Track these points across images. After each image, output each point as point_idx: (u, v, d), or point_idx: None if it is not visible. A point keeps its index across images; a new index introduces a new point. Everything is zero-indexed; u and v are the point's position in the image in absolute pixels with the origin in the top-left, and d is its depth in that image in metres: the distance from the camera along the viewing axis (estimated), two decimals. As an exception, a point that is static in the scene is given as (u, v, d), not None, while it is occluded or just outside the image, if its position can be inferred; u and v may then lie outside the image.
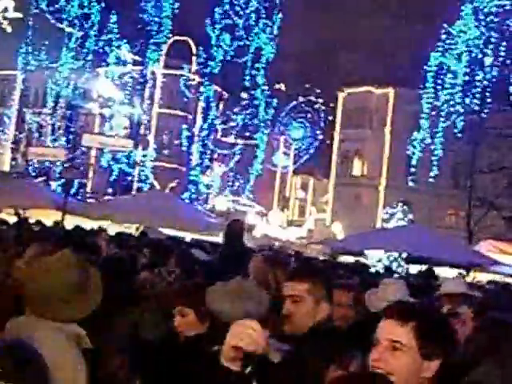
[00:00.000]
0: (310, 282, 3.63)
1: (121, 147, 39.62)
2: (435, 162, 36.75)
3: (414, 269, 18.50)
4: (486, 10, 33.75)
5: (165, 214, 18.45)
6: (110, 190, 44.41)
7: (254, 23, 48.97)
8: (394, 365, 2.57)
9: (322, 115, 58.73)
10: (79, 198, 39.65)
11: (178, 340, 4.14)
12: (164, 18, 48.04)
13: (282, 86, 54.98)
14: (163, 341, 4.43)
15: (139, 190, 43.87)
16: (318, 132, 59.22)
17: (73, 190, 40.44)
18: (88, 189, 49.13)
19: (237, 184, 50.81)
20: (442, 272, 16.99)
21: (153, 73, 49.02)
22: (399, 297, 5.47)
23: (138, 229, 17.65)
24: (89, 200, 37.66)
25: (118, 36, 47.37)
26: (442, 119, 35.87)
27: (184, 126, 49.28)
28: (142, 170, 46.95)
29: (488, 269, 19.56)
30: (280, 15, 49.52)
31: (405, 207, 25.22)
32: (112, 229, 16.16)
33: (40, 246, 5.09)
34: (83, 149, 45.26)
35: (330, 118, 59.01)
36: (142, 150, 47.14)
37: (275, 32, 49.62)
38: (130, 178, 46.48)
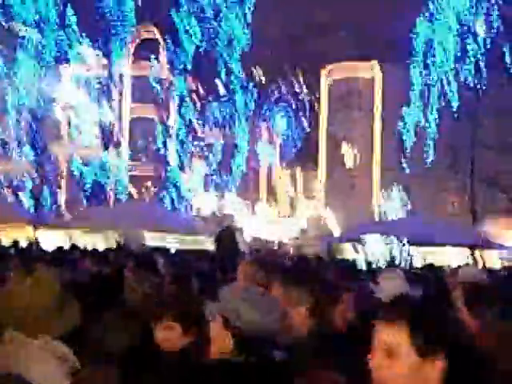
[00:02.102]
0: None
1: (92, 156, 39.55)
2: (430, 143, 36.82)
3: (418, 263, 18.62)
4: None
5: (145, 222, 18.50)
6: (84, 200, 44.30)
7: (224, 9, 48.93)
8: (393, 371, 2.60)
9: (306, 101, 58.74)
10: (53, 210, 39.57)
11: (159, 355, 4.17)
12: (127, 9, 47.87)
13: (261, 74, 54.95)
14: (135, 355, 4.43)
15: (116, 198, 43.79)
16: (303, 119, 59.26)
17: (45, 203, 40.34)
18: (61, 200, 48.94)
19: (220, 181, 50.76)
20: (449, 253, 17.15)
21: (120, 70, 48.84)
22: (398, 290, 5.52)
23: (118, 241, 17.66)
24: (63, 212, 37.60)
25: (78, 33, 47.08)
26: (435, 96, 35.88)
27: (158, 125, 49.11)
28: (118, 178, 46.75)
29: (494, 247, 19.81)
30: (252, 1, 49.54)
31: (403, 193, 25.35)
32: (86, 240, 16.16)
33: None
34: (52, 159, 45.08)
35: (315, 103, 58.98)
36: (116, 155, 46.97)
37: (249, 18, 49.57)
38: (105, 186, 46.30)
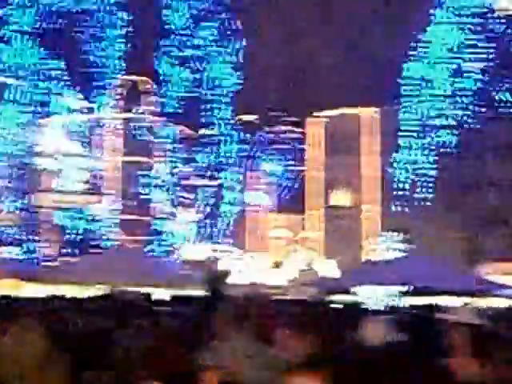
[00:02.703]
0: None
1: (77, 204, 39.21)
2: (427, 183, 36.70)
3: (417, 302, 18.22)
4: (462, 12, 34.04)
5: (133, 271, 18.11)
6: (69, 251, 43.85)
7: (210, 53, 49.11)
8: None
9: (297, 144, 58.69)
10: (36, 262, 39.15)
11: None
12: (112, 57, 47.99)
13: (252, 117, 54.94)
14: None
15: (103, 247, 43.34)
16: (294, 163, 59.13)
17: (30, 254, 39.94)
18: (46, 251, 48.37)
19: (209, 229, 50.47)
20: (448, 301, 16.75)
21: (105, 118, 48.83)
22: (381, 337, 5.46)
23: (104, 291, 17.23)
24: (48, 263, 37.08)
25: (63, 82, 47.12)
26: (430, 134, 35.91)
27: (145, 173, 48.93)
28: (104, 226, 46.45)
29: (495, 293, 19.44)
30: (241, 43, 49.74)
31: (400, 234, 25.03)
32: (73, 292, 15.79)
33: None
34: (38, 208, 44.77)
35: (308, 146, 58.95)
36: (102, 203, 46.71)
37: (234, 60, 49.75)
38: (91, 236, 45.93)
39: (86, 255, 32.39)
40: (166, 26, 48.57)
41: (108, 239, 45.57)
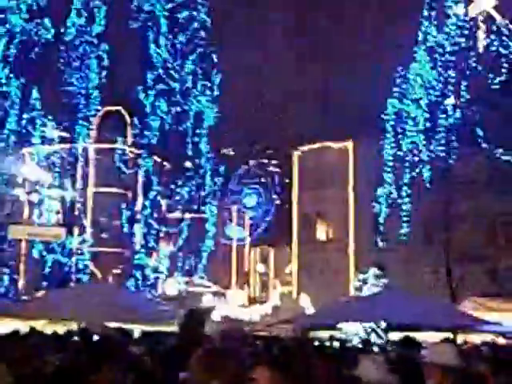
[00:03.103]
0: None
1: (53, 237, 38.99)
2: (404, 218, 36.95)
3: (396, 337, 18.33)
4: (440, 50, 34.53)
5: (109, 306, 18.07)
6: (44, 284, 43.54)
7: (191, 86, 49.36)
8: None
9: (277, 178, 58.95)
10: (10, 296, 38.82)
11: None
12: (92, 88, 48.06)
13: (230, 150, 55.23)
14: None
15: (78, 281, 43.10)
16: (274, 197, 59.37)
17: (2, 289, 39.57)
18: (20, 285, 48.10)
19: (188, 264, 50.36)
20: (429, 337, 16.86)
21: (84, 149, 48.76)
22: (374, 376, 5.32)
23: (79, 326, 17.23)
24: (22, 297, 36.85)
25: (42, 113, 47.07)
26: (407, 170, 36.20)
27: (123, 205, 48.85)
28: (80, 259, 46.18)
29: (476, 329, 19.56)
30: (220, 76, 50.05)
31: (378, 271, 25.19)
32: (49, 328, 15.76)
33: None
34: (11, 241, 44.45)
35: (286, 180, 59.23)
36: (78, 235, 46.51)
37: (216, 93, 50.03)
38: (66, 269, 45.65)
39: (60, 289, 32.19)
40: (147, 59, 48.83)
41: (84, 273, 45.35)
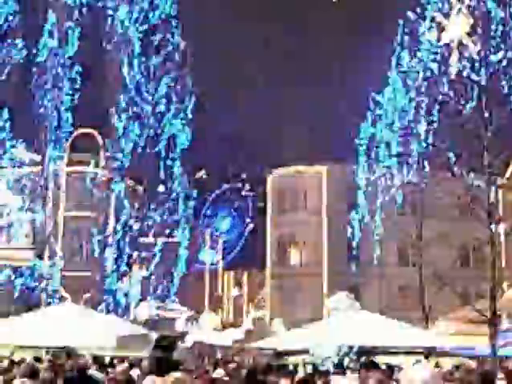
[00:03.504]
0: None
1: (22, 261, 38.78)
2: (378, 241, 37.32)
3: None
4: (413, 75, 34.99)
5: (78, 332, 18.06)
6: (12, 309, 43.18)
7: (164, 109, 49.47)
8: None
9: (251, 202, 59.11)
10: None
11: None
12: (64, 110, 48.04)
13: (203, 174, 55.28)
14: None
15: (48, 305, 42.78)
16: (247, 221, 59.49)
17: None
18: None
19: (160, 288, 50.22)
20: (403, 361, 17.08)
21: (55, 172, 48.62)
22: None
23: (47, 352, 17.19)
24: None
25: (11, 134, 46.94)
26: (379, 194, 36.61)
27: (95, 229, 48.72)
28: (50, 283, 45.89)
29: (448, 352, 19.78)
30: (193, 99, 50.21)
31: (350, 294, 25.39)
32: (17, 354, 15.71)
33: None
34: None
35: (260, 204, 59.38)
36: (49, 259, 46.26)
37: (189, 117, 50.14)
38: (36, 294, 45.34)
39: (29, 314, 32.00)
40: (121, 81, 48.92)
41: (54, 297, 45.06)
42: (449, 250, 33.72)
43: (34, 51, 46.25)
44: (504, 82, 30.47)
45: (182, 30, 49.56)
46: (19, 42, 43.34)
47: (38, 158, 47.82)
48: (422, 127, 34.57)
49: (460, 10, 32.24)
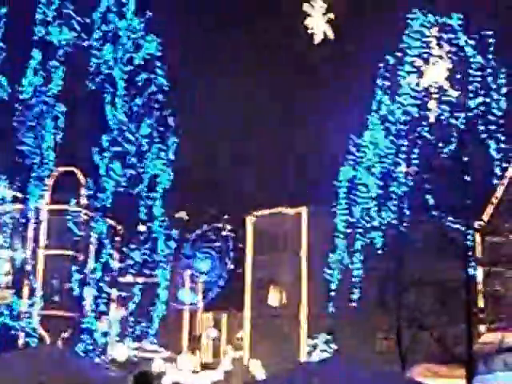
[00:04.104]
0: None
1: (0, 299, 38.43)
2: (356, 283, 37.20)
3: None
4: (393, 119, 35.23)
5: (55, 372, 17.76)
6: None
7: (146, 149, 49.44)
8: None
9: (231, 243, 58.93)
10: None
11: None
12: (46, 148, 47.90)
13: (183, 214, 55.16)
14: None
15: (26, 345, 42.30)
16: (227, 261, 59.25)
17: None
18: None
19: (139, 328, 49.75)
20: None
21: (36, 210, 48.36)
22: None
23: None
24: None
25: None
26: (359, 236, 36.60)
27: (75, 268, 48.36)
28: (29, 322, 45.43)
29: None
30: (175, 140, 50.23)
31: (328, 337, 25.25)
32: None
33: None
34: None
35: (240, 244, 59.28)
36: (28, 298, 45.84)
37: (171, 157, 50.11)
38: (14, 332, 44.82)
39: (6, 354, 31.53)
40: (104, 120, 48.93)
41: (32, 336, 44.55)
42: (427, 293, 33.54)
43: (18, 89, 46.24)
44: (482, 127, 30.80)
45: (167, 70, 49.74)
46: (3, 80, 43.33)
47: (19, 195, 47.52)
48: (401, 170, 34.71)
49: (439, 55, 32.65)
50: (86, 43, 48.35)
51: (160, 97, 49.92)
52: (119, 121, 48.82)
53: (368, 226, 35.94)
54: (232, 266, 58.57)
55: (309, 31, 39.99)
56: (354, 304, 37.48)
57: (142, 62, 49.26)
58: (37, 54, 47.19)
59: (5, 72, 44.92)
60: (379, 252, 35.53)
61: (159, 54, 49.22)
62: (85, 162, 49.07)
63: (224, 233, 58.35)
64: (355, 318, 44.30)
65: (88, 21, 48.10)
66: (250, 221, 58.21)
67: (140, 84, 49.38)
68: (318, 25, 40.02)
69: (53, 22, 47.61)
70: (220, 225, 58.00)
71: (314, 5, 39.51)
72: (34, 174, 47.53)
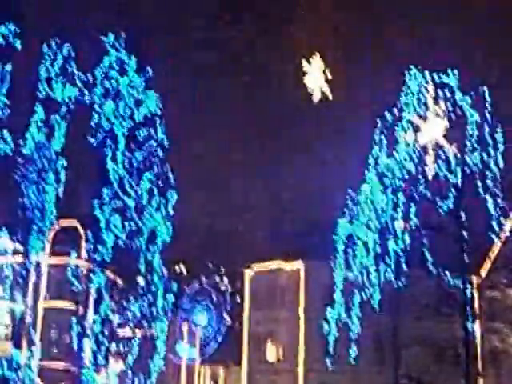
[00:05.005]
0: None
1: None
2: (354, 339, 36.49)
3: None
4: (390, 175, 34.89)
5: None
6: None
7: (146, 203, 49.10)
8: None
9: (229, 297, 58.30)
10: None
11: None
12: (48, 202, 47.56)
13: (182, 268, 54.69)
14: None
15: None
16: (225, 315, 58.55)
17: None
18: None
19: (137, 381, 48.97)
20: None
21: (37, 262, 47.92)
22: None
23: None
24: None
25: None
26: (357, 291, 36.02)
27: (74, 320, 47.77)
28: (27, 374, 44.63)
29: None
30: (175, 194, 49.98)
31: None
32: None
33: None
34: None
35: (238, 297, 58.64)
36: (27, 349, 45.07)
37: (170, 211, 49.78)
38: (12, 382, 43.99)
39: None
40: (104, 175, 48.71)
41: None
42: (425, 350, 32.89)
43: (21, 143, 46.09)
44: (480, 184, 30.47)
45: (166, 126, 49.69)
46: (6, 134, 43.21)
47: (20, 247, 47.13)
48: (399, 226, 34.27)
49: (436, 113, 32.45)
50: (88, 99, 48.37)
51: (160, 152, 49.80)
52: (119, 175, 48.60)
53: (366, 281, 35.38)
54: (230, 320, 57.94)
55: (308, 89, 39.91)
56: (352, 360, 36.78)
57: (142, 119, 49.34)
58: (40, 110, 47.14)
59: (9, 127, 44.74)
60: (377, 308, 34.91)
61: (159, 110, 49.28)
62: (85, 215, 48.73)
63: (222, 287, 57.79)
64: (353, 373, 43.43)
65: (90, 77, 48.25)
66: (247, 275, 57.59)
67: (140, 139, 49.30)
68: (317, 83, 39.92)
69: (56, 79, 47.75)
70: (218, 279, 57.51)
71: (313, 63, 39.45)
72: (35, 227, 47.14)
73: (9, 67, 44.84)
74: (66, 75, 47.88)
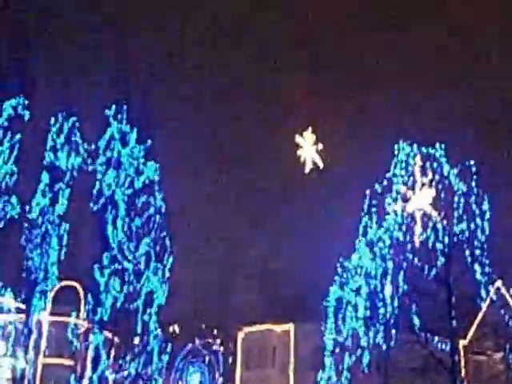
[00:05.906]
0: None
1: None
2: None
3: None
4: (379, 243, 34.42)
5: None
6: None
7: (144, 267, 48.52)
8: None
9: (221, 357, 57.08)
10: None
11: None
12: (50, 264, 46.90)
13: (176, 328, 53.56)
14: None
15: None
16: (217, 376, 57.26)
17: None
18: None
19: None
20: None
21: (38, 321, 47.06)
22: None
23: None
24: None
25: (1, 284, 45.83)
26: (346, 355, 35.08)
27: (72, 377, 46.65)
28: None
29: None
30: (171, 259, 49.45)
31: None
32: None
33: None
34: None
35: (230, 360, 57.50)
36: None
37: (167, 275, 49.17)
38: None
39: None
40: (104, 239, 48.23)
41: None
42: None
43: (27, 208, 45.64)
44: (467, 251, 29.91)
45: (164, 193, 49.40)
46: (14, 199, 42.86)
47: (23, 306, 46.41)
48: (387, 291, 33.62)
49: (423, 183, 32.07)
50: (90, 168, 48.17)
51: (158, 218, 49.36)
52: (119, 240, 48.11)
53: (355, 345, 34.50)
54: (222, 380, 56.72)
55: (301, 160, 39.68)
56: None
57: (142, 186, 49.06)
58: (45, 177, 46.87)
59: (16, 192, 44.30)
60: (366, 371, 33.96)
61: (157, 178, 49.11)
62: (85, 277, 48.02)
63: (214, 347, 56.72)
64: None
65: (93, 147, 48.14)
66: (239, 336, 56.52)
67: (139, 206, 48.93)
68: (309, 155, 39.66)
69: (61, 149, 47.60)
70: (211, 339, 56.45)
71: (305, 136, 39.25)
72: (38, 288, 46.39)
73: (18, 137, 44.80)
74: (70, 145, 47.78)
